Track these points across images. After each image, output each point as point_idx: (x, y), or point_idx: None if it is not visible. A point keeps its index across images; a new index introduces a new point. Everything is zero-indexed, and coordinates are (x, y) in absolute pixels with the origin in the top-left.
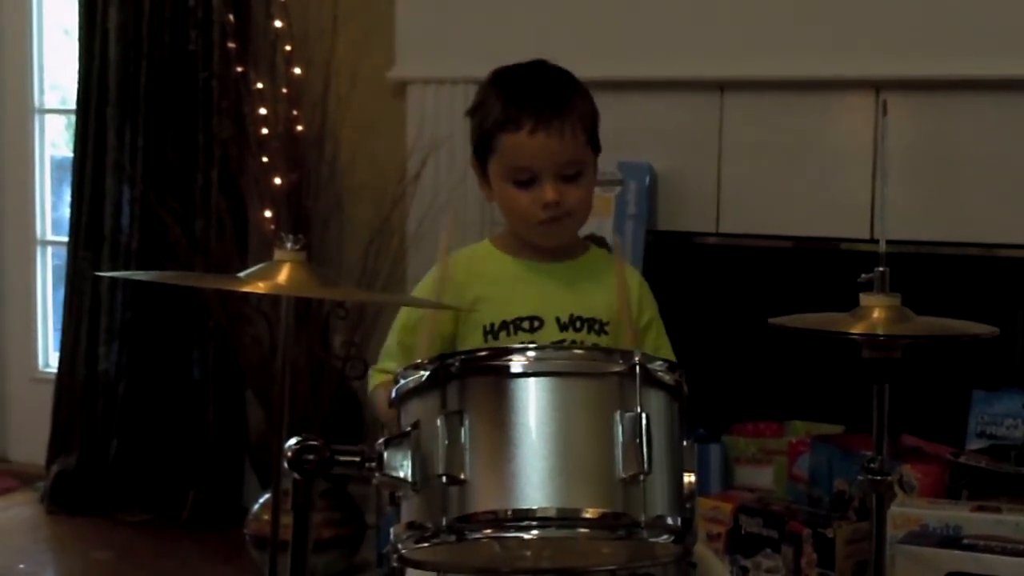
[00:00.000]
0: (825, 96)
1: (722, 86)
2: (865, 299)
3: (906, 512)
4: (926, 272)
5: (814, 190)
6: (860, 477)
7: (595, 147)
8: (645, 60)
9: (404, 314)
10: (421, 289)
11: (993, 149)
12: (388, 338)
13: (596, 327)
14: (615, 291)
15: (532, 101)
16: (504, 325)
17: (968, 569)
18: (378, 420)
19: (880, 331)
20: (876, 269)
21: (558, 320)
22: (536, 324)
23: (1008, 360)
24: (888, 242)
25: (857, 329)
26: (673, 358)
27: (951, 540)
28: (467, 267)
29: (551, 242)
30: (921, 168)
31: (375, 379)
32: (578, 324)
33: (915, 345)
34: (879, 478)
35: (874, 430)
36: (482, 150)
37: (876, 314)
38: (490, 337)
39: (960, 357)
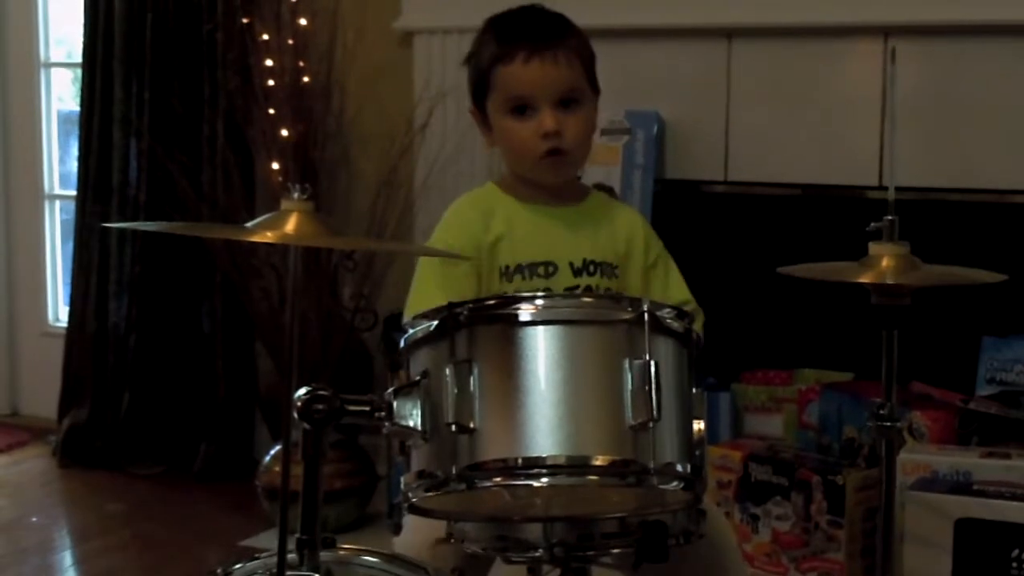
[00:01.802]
0: (833, 43)
1: (730, 33)
2: (874, 248)
3: (916, 459)
4: (935, 219)
5: (822, 137)
6: (870, 424)
7: (593, 85)
8: (652, 8)
9: (435, 267)
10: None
11: (1003, 95)
12: (419, 288)
13: (608, 270)
14: (621, 233)
15: (524, 34)
16: (519, 268)
17: (978, 515)
18: None
19: (888, 280)
20: (884, 218)
21: (572, 265)
22: (551, 270)
23: (1018, 306)
24: (897, 189)
25: (865, 278)
26: (685, 287)
27: (961, 486)
28: (479, 210)
29: (551, 180)
30: (930, 115)
31: None
32: (591, 268)
33: (925, 292)
34: (889, 425)
35: (883, 377)
36: (480, 92)
37: (884, 263)
38: (504, 280)
39: (970, 303)
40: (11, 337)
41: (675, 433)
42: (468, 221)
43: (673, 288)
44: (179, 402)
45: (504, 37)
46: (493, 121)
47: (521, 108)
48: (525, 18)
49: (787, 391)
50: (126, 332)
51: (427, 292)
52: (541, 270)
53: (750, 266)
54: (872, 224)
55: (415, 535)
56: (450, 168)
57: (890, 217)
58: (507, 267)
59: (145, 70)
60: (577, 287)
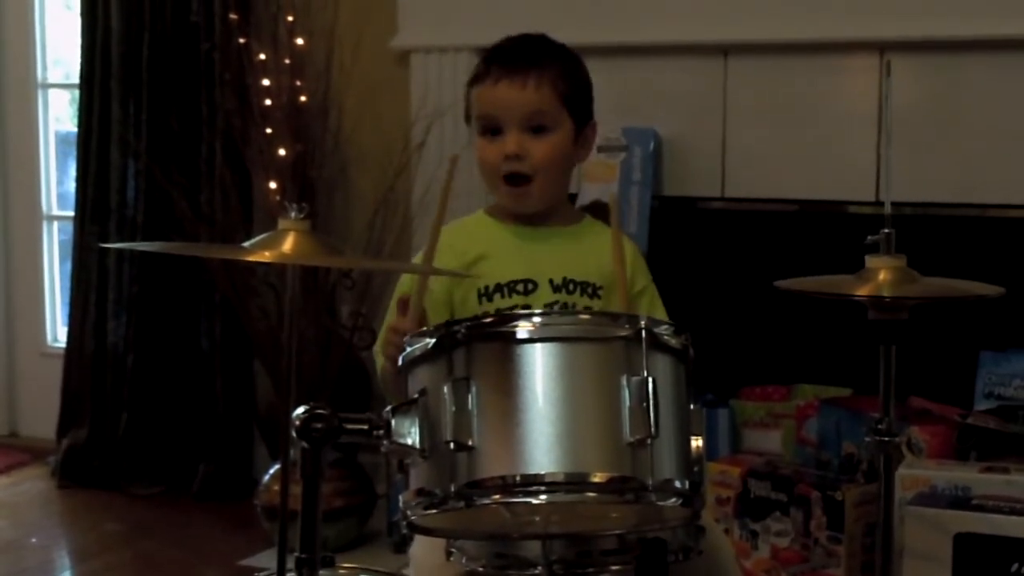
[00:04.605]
0: (829, 58)
1: (726, 50)
2: (871, 261)
3: (915, 474)
4: (932, 234)
5: (819, 153)
6: (868, 439)
7: (574, 112)
8: (649, 25)
9: (405, 284)
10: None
11: (998, 109)
12: (390, 314)
13: (589, 290)
14: (609, 256)
15: (500, 57)
16: (498, 288)
17: (977, 530)
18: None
19: (886, 293)
20: (882, 231)
21: (551, 282)
22: (530, 287)
23: (1016, 321)
24: (893, 204)
25: (863, 292)
26: None
27: (960, 501)
28: (461, 234)
29: (517, 207)
30: (926, 130)
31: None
32: (571, 287)
33: (922, 306)
34: (887, 440)
35: (882, 392)
36: (468, 113)
37: (882, 276)
38: (484, 300)
39: (968, 318)
40: (10, 358)
41: (673, 449)
42: (441, 247)
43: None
44: (178, 422)
45: (486, 59)
46: (473, 141)
47: (492, 129)
48: (511, 44)
49: (785, 407)
50: (124, 352)
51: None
52: (520, 287)
53: (747, 282)
54: (869, 237)
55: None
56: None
57: (887, 230)
58: (486, 287)
59: (143, 90)
60: (556, 303)
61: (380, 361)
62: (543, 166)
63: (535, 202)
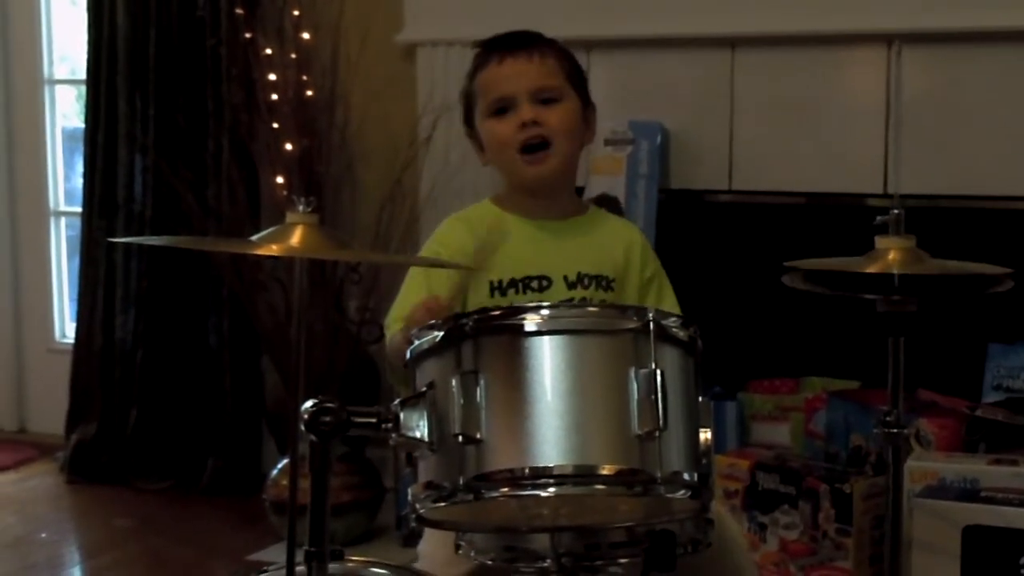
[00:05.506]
0: (837, 50)
1: (733, 42)
2: (880, 241)
3: (923, 466)
4: (941, 226)
5: (827, 146)
6: (876, 431)
7: (578, 90)
8: (655, 18)
9: (421, 277)
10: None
11: (1007, 101)
12: (401, 298)
13: (603, 283)
14: (619, 246)
15: (500, 42)
16: (513, 283)
17: (986, 522)
18: (396, 365)
19: (895, 271)
20: (891, 211)
21: (566, 279)
22: (545, 284)
23: None
24: (902, 196)
25: (872, 269)
26: (677, 307)
27: (968, 493)
28: (469, 223)
29: (535, 177)
30: (935, 122)
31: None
32: (586, 281)
33: (931, 298)
34: (895, 432)
35: (890, 384)
36: (468, 108)
37: (891, 256)
38: (497, 294)
39: (976, 310)
40: (18, 353)
41: (681, 442)
42: (455, 236)
43: (666, 307)
44: (186, 417)
45: (482, 49)
46: (480, 131)
47: (502, 109)
48: (506, 33)
49: (794, 400)
50: (133, 347)
51: (408, 302)
52: (535, 284)
53: (755, 275)
54: (879, 218)
55: (434, 546)
56: (454, 180)
57: (896, 210)
58: (500, 281)
59: (149, 86)
60: (571, 300)
61: (396, 327)
62: (560, 130)
63: (553, 170)
